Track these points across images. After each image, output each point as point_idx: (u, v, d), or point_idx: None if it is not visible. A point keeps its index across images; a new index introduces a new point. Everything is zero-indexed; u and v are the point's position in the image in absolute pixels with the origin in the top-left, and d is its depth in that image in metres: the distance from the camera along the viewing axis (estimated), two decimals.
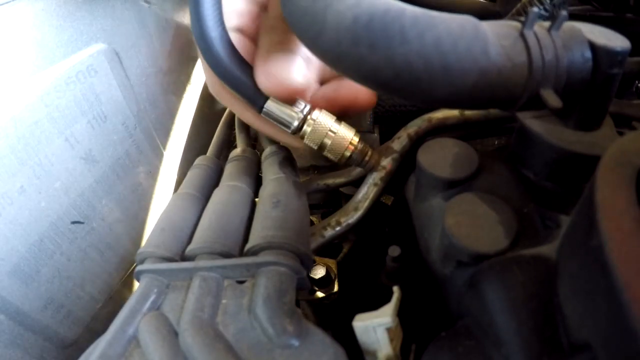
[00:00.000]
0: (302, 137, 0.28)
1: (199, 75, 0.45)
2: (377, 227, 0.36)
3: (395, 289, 0.22)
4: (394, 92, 0.18)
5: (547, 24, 0.20)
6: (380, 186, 0.31)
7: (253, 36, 0.29)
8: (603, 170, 0.14)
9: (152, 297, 0.23)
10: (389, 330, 0.21)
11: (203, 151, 0.39)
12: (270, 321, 0.19)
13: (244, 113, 0.31)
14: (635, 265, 0.11)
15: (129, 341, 0.21)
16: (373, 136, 0.39)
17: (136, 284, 0.24)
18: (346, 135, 0.28)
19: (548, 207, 0.23)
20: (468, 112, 0.34)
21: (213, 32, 0.25)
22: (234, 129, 0.41)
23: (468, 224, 0.21)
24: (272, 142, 0.36)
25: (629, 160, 0.14)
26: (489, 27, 0.19)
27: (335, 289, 0.34)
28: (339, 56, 0.17)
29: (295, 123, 0.27)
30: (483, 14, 0.20)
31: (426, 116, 0.34)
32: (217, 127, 0.43)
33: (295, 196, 0.27)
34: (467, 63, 0.17)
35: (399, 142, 0.33)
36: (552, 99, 0.19)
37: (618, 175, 0.13)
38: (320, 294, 0.34)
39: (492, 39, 0.18)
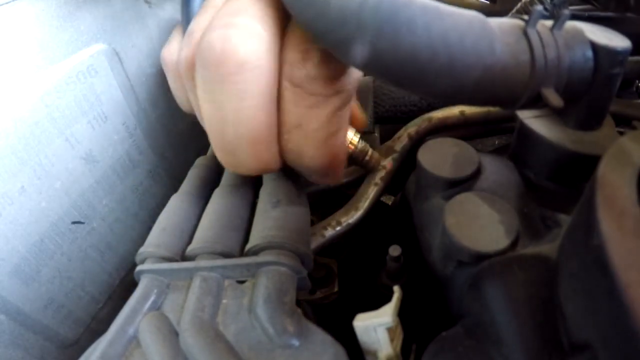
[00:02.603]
0: None
1: None
2: (377, 227, 0.36)
3: (396, 288, 0.22)
4: (396, 82, 0.18)
5: (549, 23, 0.20)
6: (380, 186, 0.31)
7: None
8: (603, 169, 0.14)
9: (153, 297, 0.23)
10: (389, 330, 0.21)
11: (203, 151, 0.39)
12: (270, 321, 0.19)
13: None
14: (635, 265, 0.11)
15: (130, 341, 0.21)
16: (373, 136, 0.39)
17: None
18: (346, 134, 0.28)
19: (548, 207, 0.23)
20: (468, 112, 0.34)
21: None
22: None
23: (468, 223, 0.21)
24: None
25: (629, 160, 0.14)
26: (494, 24, 0.18)
27: (336, 289, 0.34)
28: (340, 40, 0.17)
29: None
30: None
31: (426, 116, 0.34)
32: None
33: (295, 196, 0.27)
34: (473, 58, 0.17)
35: (399, 141, 0.33)
36: (554, 98, 0.19)
37: (618, 175, 0.13)
38: (320, 294, 0.34)
39: (498, 35, 0.18)
